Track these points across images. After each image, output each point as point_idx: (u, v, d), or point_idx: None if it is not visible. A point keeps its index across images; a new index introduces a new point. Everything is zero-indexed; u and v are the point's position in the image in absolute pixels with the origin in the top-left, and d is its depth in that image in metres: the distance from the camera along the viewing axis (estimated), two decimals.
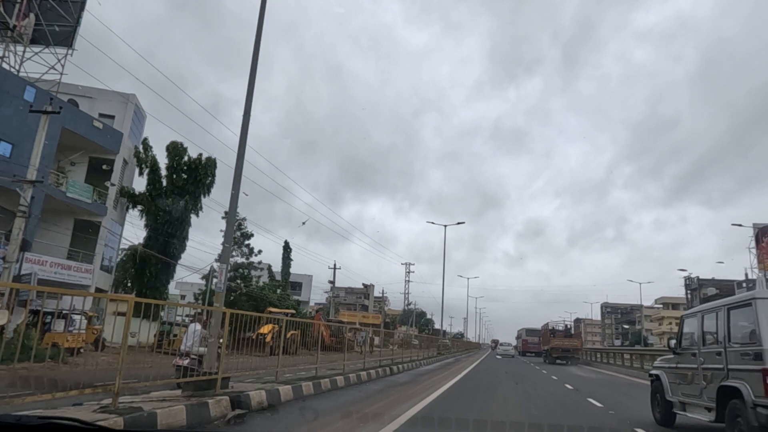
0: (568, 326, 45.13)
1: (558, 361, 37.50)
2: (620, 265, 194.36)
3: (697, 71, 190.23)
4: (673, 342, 8.67)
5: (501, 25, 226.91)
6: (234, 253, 29.71)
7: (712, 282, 69.98)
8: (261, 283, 34.70)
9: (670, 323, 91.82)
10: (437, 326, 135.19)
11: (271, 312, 24.69)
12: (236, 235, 30.29)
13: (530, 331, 54.32)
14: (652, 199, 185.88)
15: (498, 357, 45.32)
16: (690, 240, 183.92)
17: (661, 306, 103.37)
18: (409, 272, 73.05)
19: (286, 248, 44.66)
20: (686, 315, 8.75)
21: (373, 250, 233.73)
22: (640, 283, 71.15)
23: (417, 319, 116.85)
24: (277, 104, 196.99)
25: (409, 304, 77.41)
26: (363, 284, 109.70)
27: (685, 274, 70.88)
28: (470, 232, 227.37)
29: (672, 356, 8.82)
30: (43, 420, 2.01)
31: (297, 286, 63.73)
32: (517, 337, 67.76)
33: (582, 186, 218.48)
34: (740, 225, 48.13)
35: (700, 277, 72.15)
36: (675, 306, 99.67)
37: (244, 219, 32.37)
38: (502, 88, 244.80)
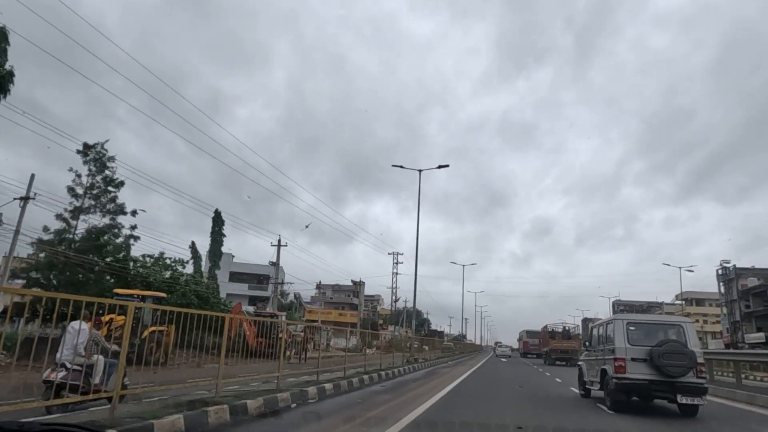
0: (567, 328, 45.07)
1: (557, 362, 37.76)
2: (628, 264, 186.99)
3: (716, 58, 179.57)
4: (587, 343, 14.20)
5: (511, 10, 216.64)
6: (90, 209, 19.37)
7: (753, 271, 59.73)
8: (147, 259, 24.29)
9: (697, 320, 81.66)
10: (433, 327, 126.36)
11: (117, 295, 15.11)
12: (91, 179, 19.30)
13: (531, 333, 54.88)
14: (663, 196, 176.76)
15: (503, 360, 46.37)
16: (701, 238, 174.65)
17: (682, 302, 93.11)
18: (397, 263, 63.08)
19: (217, 219, 34.38)
20: (592, 326, 14.11)
21: (376, 251, 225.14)
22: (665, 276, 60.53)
23: (409, 318, 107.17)
24: (277, 100, 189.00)
25: (397, 299, 67.38)
26: (352, 281, 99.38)
27: (692, 274, 61.51)
28: (476, 233, 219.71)
29: (586, 352, 14.28)
30: (45, 426, 2.12)
31: (252, 279, 53.51)
32: (519, 339, 67.84)
33: (591, 183, 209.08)
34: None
35: (735, 266, 62.05)
36: (699, 302, 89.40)
37: (103, 149, 20.77)
38: (510, 80, 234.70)
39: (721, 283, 64.52)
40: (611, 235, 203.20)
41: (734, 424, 10.16)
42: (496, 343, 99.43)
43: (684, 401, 9.98)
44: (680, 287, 60.14)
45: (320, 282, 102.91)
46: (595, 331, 12.96)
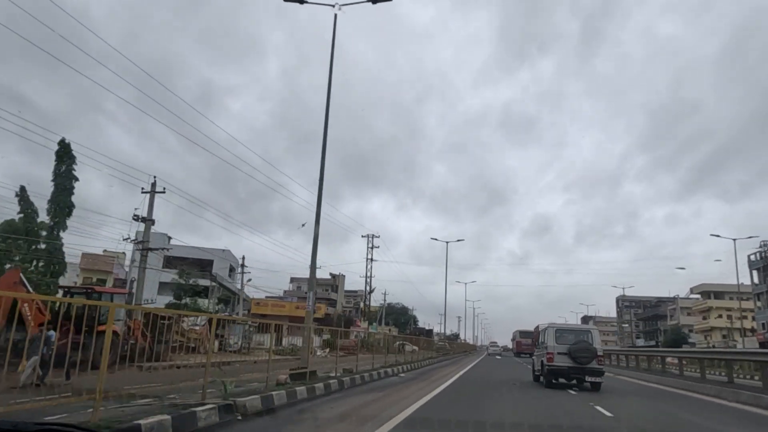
0: None
1: None
2: (627, 262, 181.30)
3: (725, 47, 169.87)
4: (537, 343, 19.12)
5: None
6: None
7: None
8: None
9: (720, 315, 72.12)
10: (421, 325, 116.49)
11: None
12: None
13: (523, 333, 55.50)
14: (665, 192, 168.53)
15: (497, 357, 48.79)
16: (702, 236, 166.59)
17: (698, 296, 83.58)
18: (372, 247, 53.27)
19: (63, 154, 23.50)
20: (540, 330, 19.08)
21: (372, 248, 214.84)
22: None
23: (398, 316, 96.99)
24: (270, 92, 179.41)
25: (372, 290, 57.38)
26: (330, 274, 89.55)
27: (683, 272, 55.32)
28: (474, 230, 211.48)
29: (536, 350, 19.26)
30: (39, 426, 2.10)
31: (194, 265, 42.75)
32: (512, 339, 68.40)
33: (593, 179, 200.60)
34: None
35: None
36: (718, 295, 79.67)
37: None
38: (512, 71, 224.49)
39: (754, 271, 54.94)
40: (612, 232, 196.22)
41: (620, 391, 16.31)
42: (490, 343, 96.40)
43: (590, 380, 15.64)
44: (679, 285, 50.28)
45: (293, 276, 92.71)
46: (540, 336, 18.48)
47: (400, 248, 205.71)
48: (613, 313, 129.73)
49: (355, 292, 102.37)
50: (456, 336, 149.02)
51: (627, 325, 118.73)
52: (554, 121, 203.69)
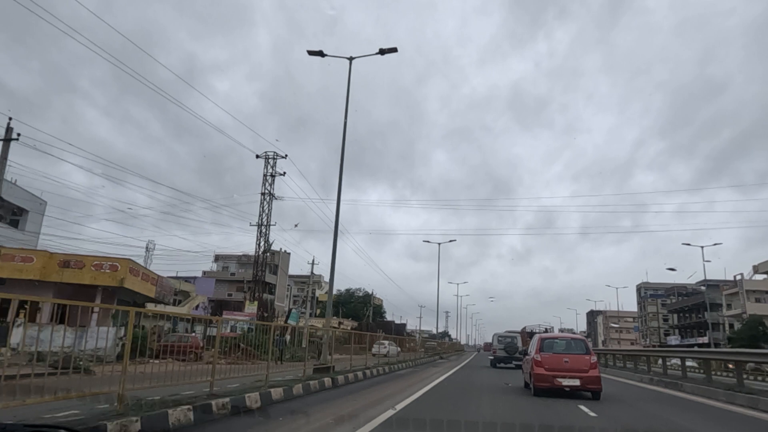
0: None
1: None
2: (632, 260, 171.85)
3: (760, 15, 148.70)
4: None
5: None
6: None
7: None
8: None
9: None
10: (404, 321, 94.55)
11: None
12: None
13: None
14: (678, 183, 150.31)
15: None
16: (714, 228, 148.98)
17: (765, 275, 61.82)
18: (273, 174, 31.26)
19: None
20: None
21: (368, 245, 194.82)
22: None
23: (358, 306, 74.59)
24: (261, 70, 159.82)
25: (269, 243, 35.43)
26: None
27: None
28: (474, 225, 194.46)
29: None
30: (30, 428, 2.09)
31: None
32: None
33: (603, 167, 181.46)
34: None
35: None
36: None
37: None
38: (524, 43, 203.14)
39: None
40: (620, 225, 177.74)
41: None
42: (485, 344, 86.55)
43: (515, 363, 26.24)
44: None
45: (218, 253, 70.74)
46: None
47: (396, 244, 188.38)
48: (628, 307, 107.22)
49: (306, 276, 79.40)
50: (444, 335, 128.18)
51: (653, 321, 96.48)
52: (567, 103, 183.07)
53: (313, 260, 64.80)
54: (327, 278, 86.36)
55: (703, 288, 68.13)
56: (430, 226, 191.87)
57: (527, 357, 14.99)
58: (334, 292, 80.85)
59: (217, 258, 65.58)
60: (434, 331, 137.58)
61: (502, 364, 28.25)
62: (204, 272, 62.75)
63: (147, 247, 59.13)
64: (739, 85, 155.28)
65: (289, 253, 68.70)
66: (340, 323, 52.95)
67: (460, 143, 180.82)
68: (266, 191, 32.50)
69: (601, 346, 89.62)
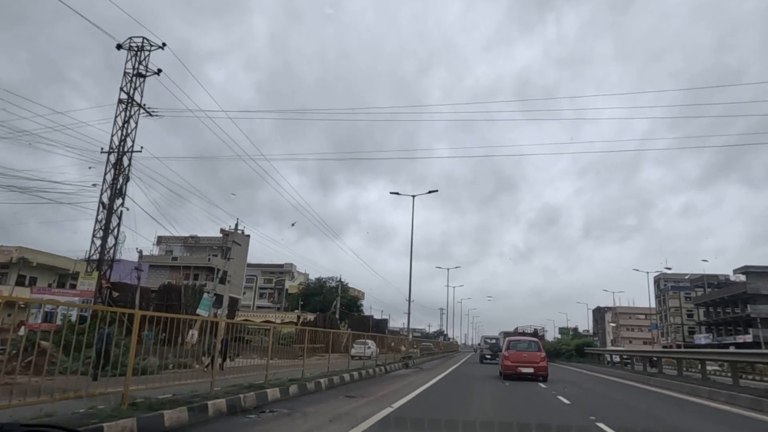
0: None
1: None
2: (634, 258, 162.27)
3: None
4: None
5: None
6: None
7: None
8: None
9: None
10: (386, 316, 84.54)
11: None
12: None
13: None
14: (686, 178, 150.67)
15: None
16: (720, 226, 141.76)
17: None
18: (142, 55, 19.40)
19: None
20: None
21: (367, 245, 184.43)
22: None
23: (331, 297, 63.55)
24: (258, 60, 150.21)
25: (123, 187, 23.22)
26: (222, 231, 54.46)
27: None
28: (477, 223, 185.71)
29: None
30: (26, 428, 2.08)
31: None
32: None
33: (610, 161, 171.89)
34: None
35: None
36: None
37: None
38: (531, 27, 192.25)
39: None
40: (625, 224, 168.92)
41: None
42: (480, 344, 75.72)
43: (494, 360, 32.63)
44: None
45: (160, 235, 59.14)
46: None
47: (396, 243, 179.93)
48: (640, 303, 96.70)
49: (277, 266, 68.21)
50: (439, 334, 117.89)
51: (674, 317, 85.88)
52: (575, 92, 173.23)
53: (237, 222, 53.74)
54: (298, 268, 75.45)
55: (742, 277, 57.70)
56: (431, 222, 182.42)
57: (500, 353, 22.20)
58: (303, 281, 70.10)
59: (160, 240, 54.62)
60: (426, 330, 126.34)
61: (486, 361, 35.44)
62: (144, 255, 51.48)
63: None
64: (755, 74, 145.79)
65: (248, 235, 57.43)
66: (299, 317, 42.27)
67: (463, 135, 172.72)
68: (127, 97, 19.84)
69: (610, 346, 78.86)
